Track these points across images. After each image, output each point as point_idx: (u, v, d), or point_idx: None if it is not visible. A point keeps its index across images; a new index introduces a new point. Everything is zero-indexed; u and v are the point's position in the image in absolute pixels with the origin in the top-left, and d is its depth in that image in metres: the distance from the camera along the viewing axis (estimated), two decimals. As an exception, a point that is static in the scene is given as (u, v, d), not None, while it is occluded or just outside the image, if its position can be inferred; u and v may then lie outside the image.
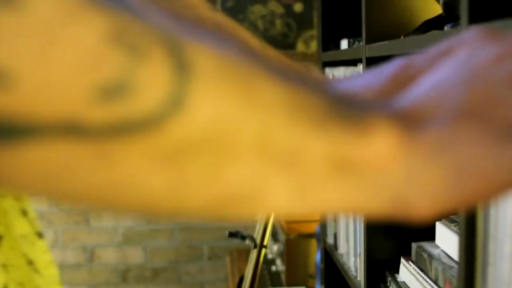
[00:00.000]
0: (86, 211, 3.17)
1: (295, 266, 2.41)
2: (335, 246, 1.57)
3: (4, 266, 0.55)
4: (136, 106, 0.23)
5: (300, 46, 3.24)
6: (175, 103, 0.23)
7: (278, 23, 3.25)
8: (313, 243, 2.36)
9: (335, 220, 1.56)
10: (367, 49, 1.13)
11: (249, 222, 2.50)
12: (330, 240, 1.63)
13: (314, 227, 2.27)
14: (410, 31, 1.04)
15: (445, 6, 0.95)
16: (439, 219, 0.99)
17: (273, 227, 2.59)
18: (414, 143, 0.28)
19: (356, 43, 1.40)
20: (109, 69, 0.22)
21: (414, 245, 1.07)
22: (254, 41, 0.57)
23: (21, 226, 0.56)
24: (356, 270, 1.33)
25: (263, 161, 0.26)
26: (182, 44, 0.24)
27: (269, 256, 2.66)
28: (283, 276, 2.44)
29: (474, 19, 0.68)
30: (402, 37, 1.02)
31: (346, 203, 0.28)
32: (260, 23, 3.23)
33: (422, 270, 1.01)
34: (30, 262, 0.57)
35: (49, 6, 0.21)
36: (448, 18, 0.94)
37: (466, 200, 0.29)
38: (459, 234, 0.71)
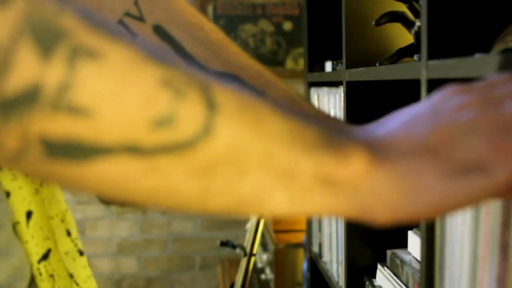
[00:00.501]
0: (81, 223, 3.26)
1: (284, 274, 2.49)
2: (320, 254, 1.66)
3: (52, 276, 0.65)
4: (179, 133, 0.33)
5: (289, 64, 3.34)
6: (206, 131, 0.34)
7: (268, 41, 3.35)
8: (301, 252, 2.43)
9: (320, 230, 1.65)
10: (347, 74, 1.24)
11: (239, 233, 2.59)
12: (315, 249, 1.73)
13: (302, 237, 2.37)
14: (385, 58, 1.14)
15: (416, 36, 1.06)
16: (411, 229, 1.09)
17: (263, 237, 2.68)
18: (381, 168, 0.38)
19: (339, 65, 1.49)
20: (161, 106, 0.33)
21: (389, 252, 1.17)
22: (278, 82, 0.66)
23: (65, 244, 0.66)
24: (338, 276, 1.42)
25: (267, 176, 0.36)
26: (211, 87, 0.35)
27: (259, 265, 2.74)
28: (272, 285, 2.52)
29: (432, 54, 0.78)
30: (377, 64, 1.13)
31: (327, 208, 0.38)
32: (251, 41, 3.34)
33: (395, 275, 1.11)
34: (71, 275, 0.66)
35: (121, 59, 0.32)
36: (418, 47, 1.05)
37: (414, 216, 0.38)
38: (420, 240, 0.82)
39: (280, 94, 0.69)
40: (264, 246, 2.73)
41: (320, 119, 0.44)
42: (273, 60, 3.32)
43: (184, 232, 3.56)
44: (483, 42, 0.77)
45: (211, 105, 0.34)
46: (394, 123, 0.41)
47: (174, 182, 0.35)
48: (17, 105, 0.31)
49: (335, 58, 1.58)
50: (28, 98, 0.31)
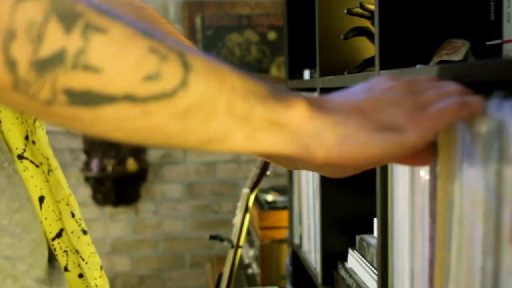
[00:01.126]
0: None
1: (269, 269, 2.61)
2: (300, 245, 1.80)
3: (66, 252, 0.77)
4: (163, 85, 0.47)
5: (274, 71, 3.47)
6: (183, 84, 0.47)
7: (254, 50, 3.47)
8: (285, 247, 2.56)
9: (300, 223, 1.80)
10: (320, 81, 1.39)
11: (226, 231, 2.71)
12: (296, 241, 1.86)
13: (285, 234, 2.50)
14: (352, 68, 1.30)
15: (378, 49, 1.21)
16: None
17: (249, 234, 2.81)
18: (318, 116, 0.51)
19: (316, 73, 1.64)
20: (150, 66, 0.46)
21: (357, 237, 1.32)
22: None
23: (70, 224, 0.77)
24: (315, 263, 1.57)
25: (230, 120, 0.49)
26: (185, 53, 0.48)
27: (246, 260, 2.85)
28: (258, 278, 2.64)
29: (384, 66, 0.94)
30: (346, 73, 1.29)
31: (275, 145, 0.51)
32: (237, 50, 3.45)
33: (363, 256, 1.27)
34: (77, 251, 0.78)
35: (120, 33, 0.46)
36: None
37: (342, 157, 0.51)
38: (377, 225, 0.98)
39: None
40: (250, 242, 2.84)
41: (269, 82, 0.56)
42: (258, 68, 3.45)
43: (174, 232, 3.65)
44: (423, 56, 0.93)
45: (186, 66, 0.48)
46: (335, 94, 0.56)
47: (160, 122, 0.48)
48: (48, 65, 0.44)
49: (312, 67, 1.72)
50: (56, 60, 0.44)
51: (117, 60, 0.45)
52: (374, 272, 1.16)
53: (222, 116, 0.49)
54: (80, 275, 0.79)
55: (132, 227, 3.59)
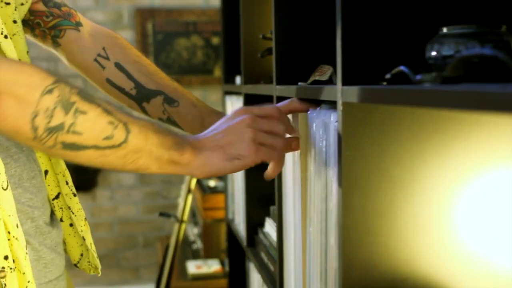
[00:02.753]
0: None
1: (211, 244, 2.93)
2: (233, 220, 2.16)
3: (61, 208, 1.11)
4: (114, 142, 0.86)
5: (217, 72, 3.78)
6: (124, 141, 0.86)
7: (199, 53, 3.78)
8: (224, 226, 2.87)
9: (233, 202, 2.15)
10: (244, 88, 1.75)
11: (175, 210, 2.98)
12: (230, 216, 2.21)
13: (222, 214, 2.83)
14: (266, 78, 1.67)
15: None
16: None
17: (194, 215, 3.13)
18: (197, 155, 0.92)
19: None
20: (108, 132, 0.86)
21: (271, 208, 1.69)
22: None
23: (65, 189, 1.11)
24: (243, 231, 1.89)
25: (150, 159, 0.89)
26: (128, 122, 0.87)
27: (191, 238, 3.17)
28: (202, 253, 2.96)
29: (278, 82, 1.31)
30: (261, 82, 1.66)
31: (175, 172, 0.91)
32: (184, 53, 3.76)
33: (274, 222, 1.64)
34: (69, 207, 1.13)
35: (93, 113, 0.86)
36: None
37: (210, 175, 0.93)
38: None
39: (187, 101, 1.22)
40: (195, 222, 3.16)
41: (174, 131, 0.97)
42: (203, 69, 3.76)
43: (128, 216, 3.88)
44: (305, 75, 1.28)
45: (127, 130, 0.86)
46: (209, 130, 0.96)
47: (111, 160, 0.86)
48: (54, 130, 0.82)
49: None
50: (59, 128, 0.82)
51: (90, 128, 0.84)
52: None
53: (145, 157, 0.89)
54: (71, 225, 1.13)
55: (89, 211, 3.77)
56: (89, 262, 1.16)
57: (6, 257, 0.89)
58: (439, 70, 0.72)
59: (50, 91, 0.82)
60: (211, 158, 0.92)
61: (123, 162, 0.88)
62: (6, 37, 0.94)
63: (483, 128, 0.88)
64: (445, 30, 0.74)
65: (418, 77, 0.70)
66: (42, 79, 0.82)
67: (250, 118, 0.95)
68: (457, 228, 0.89)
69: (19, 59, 0.96)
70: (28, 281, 0.91)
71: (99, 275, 1.17)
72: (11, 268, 0.90)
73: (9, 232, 0.89)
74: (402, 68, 0.74)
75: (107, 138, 0.85)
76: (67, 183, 1.11)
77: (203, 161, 0.92)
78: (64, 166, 1.11)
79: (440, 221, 0.89)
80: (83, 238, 1.13)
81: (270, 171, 1.00)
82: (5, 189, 0.88)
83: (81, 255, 1.16)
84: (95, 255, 1.15)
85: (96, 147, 0.85)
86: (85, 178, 3.67)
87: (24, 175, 0.99)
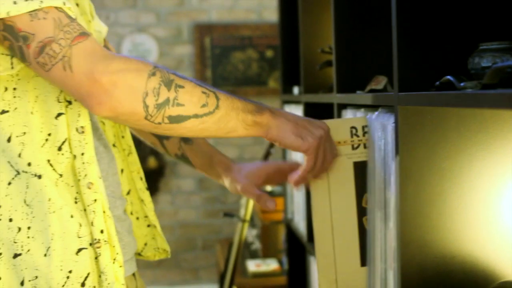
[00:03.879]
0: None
1: (268, 244, 3.09)
2: (292, 219, 2.32)
3: (132, 203, 1.26)
4: (209, 108, 1.03)
5: (271, 83, 3.95)
6: (217, 107, 1.03)
7: (254, 65, 3.96)
8: (281, 227, 3.04)
9: (292, 203, 2.31)
10: (304, 97, 1.91)
11: (231, 209, 3.07)
12: (289, 215, 2.36)
13: (281, 216, 2.97)
14: (324, 89, 1.84)
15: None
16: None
17: (252, 218, 3.29)
18: (275, 119, 1.08)
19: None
20: (203, 100, 1.02)
21: None
22: None
23: (139, 184, 1.27)
24: (303, 229, 2.04)
25: (237, 122, 1.05)
26: (216, 92, 1.04)
27: (249, 239, 3.32)
28: (260, 253, 3.12)
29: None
30: (320, 92, 1.83)
31: (256, 132, 1.08)
32: (240, 66, 3.94)
33: None
34: (142, 200, 1.27)
35: (189, 86, 1.03)
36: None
37: (277, 138, 1.08)
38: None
39: (199, 141, 1.37)
40: (252, 225, 3.31)
41: (252, 100, 1.12)
42: (258, 81, 3.94)
43: (188, 220, 4.02)
44: (363, 84, 1.44)
45: (217, 98, 1.02)
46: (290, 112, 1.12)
47: (209, 125, 1.02)
48: (162, 106, 0.98)
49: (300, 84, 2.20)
50: (165, 103, 0.98)
51: (189, 99, 1.00)
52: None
53: (234, 120, 1.04)
54: (137, 218, 1.28)
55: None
56: (156, 248, 1.30)
57: (102, 231, 1.04)
58: (479, 79, 0.89)
59: (153, 74, 0.97)
60: (284, 125, 1.08)
61: (217, 127, 1.03)
62: None
63: (519, 127, 1.03)
64: (484, 45, 0.90)
65: (462, 84, 0.87)
66: (145, 65, 0.98)
67: (326, 130, 1.13)
68: (499, 213, 1.05)
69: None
70: (117, 253, 1.07)
71: (169, 256, 1.32)
72: (105, 241, 1.04)
73: (104, 212, 1.05)
74: (448, 77, 0.91)
75: (203, 106, 1.01)
76: (141, 179, 1.29)
77: (278, 124, 1.08)
78: (139, 165, 1.28)
79: (484, 207, 1.05)
80: (154, 226, 1.29)
81: (299, 179, 1.16)
82: (100, 178, 1.06)
83: (145, 244, 1.31)
84: (165, 239, 1.30)
85: (196, 116, 1.01)
86: (148, 184, 3.83)
87: (109, 171, 1.16)
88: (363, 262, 1.22)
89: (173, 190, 4.02)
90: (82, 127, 1.04)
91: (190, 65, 4.02)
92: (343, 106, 1.44)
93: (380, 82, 1.35)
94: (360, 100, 1.30)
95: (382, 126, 1.13)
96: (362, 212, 1.21)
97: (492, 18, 1.04)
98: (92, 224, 1.03)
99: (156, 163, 3.83)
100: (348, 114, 1.38)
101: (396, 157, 1.04)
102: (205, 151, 1.37)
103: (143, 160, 3.87)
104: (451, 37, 1.04)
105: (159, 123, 1.00)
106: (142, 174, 1.29)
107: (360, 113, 1.30)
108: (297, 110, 2.08)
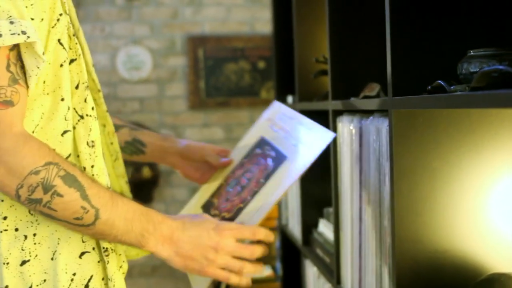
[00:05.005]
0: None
1: None
2: (287, 224, 2.35)
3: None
4: (84, 223, 1.02)
5: (263, 94, 4.01)
6: (93, 224, 1.01)
7: (247, 76, 4.01)
8: (275, 234, 3.04)
9: (286, 208, 2.34)
10: (298, 105, 1.97)
11: None
12: (284, 221, 2.38)
13: (275, 223, 3.01)
14: (319, 96, 1.90)
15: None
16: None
17: None
18: (160, 251, 1.10)
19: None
20: (84, 219, 1.02)
21: (325, 210, 1.88)
22: None
23: (125, 188, 1.33)
24: (298, 233, 2.05)
25: (116, 241, 1.06)
26: (101, 209, 1.02)
27: None
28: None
29: (334, 97, 1.54)
30: (315, 100, 1.89)
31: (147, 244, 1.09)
32: (233, 77, 3.99)
33: (328, 221, 1.84)
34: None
35: (70, 197, 1.00)
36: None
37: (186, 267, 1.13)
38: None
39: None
40: None
41: (150, 217, 1.10)
42: (250, 91, 3.99)
43: None
44: (357, 91, 1.50)
45: (96, 217, 0.99)
46: (184, 234, 1.11)
47: (82, 232, 1.03)
48: (35, 203, 0.97)
49: (294, 93, 2.19)
50: (38, 201, 0.96)
51: (63, 208, 0.98)
52: (333, 228, 1.73)
53: (111, 239, 1.06)
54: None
55: None
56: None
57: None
58: (467, 83, 0.96)
59: (37, 172, 0.96)
60: (172, 260, 1.13)
61: (92, 236, 1.05)
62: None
63: (507, 129, 1.10)
64: (472, 52, 0.97)
65: (452, 87, 0.94)
66: (34, 160, 0.96)
67: (221, 241, 1.13)
68: (488, 211, 1.11)
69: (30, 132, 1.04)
70: (123, 261, 1.13)
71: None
72: (112, 250, 1.09)
73: None
74: (439, 81, 0.98)
75: (77, 218, 1.00)
76: (126, 183, 1.34)
77: (164, 257, 1.12)
78: (124, 169, 1.32)
79: (474, 204, 1.11)
80: None
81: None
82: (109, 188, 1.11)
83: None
84: None
85: (67, 222, 1.01)
86: (141, 193, 3.87)
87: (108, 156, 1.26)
88: None
89: (167, 200, 4.07)
90: (92, 141, 1.08)
91: (183, 76, 4.08)
92: (338, 113, 1.50)
93: (373, 89, 1.40)
94: (356, 106, 1.36)
95: (377, 129, 1.19)
96: None
97: (479, 27, 1.11)
98: None
99: (150, 173, 3.87)
100: (344, 120, 1.44)
101: (390, 158, 1.10)
102: (155, 133, 1.45)
103: (138, 170, 4.01)
104: (441, 45, 1.11)
105: (32, 209, 1.02)
106: (126, 178, 1.34)
107: (355, 119, 1.36)
108: (292, 118, 2.10)
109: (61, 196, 0.97)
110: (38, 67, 0.98)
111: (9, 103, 0.96)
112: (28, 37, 0.94)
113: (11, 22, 0.94)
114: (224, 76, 4.01)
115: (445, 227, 1.11)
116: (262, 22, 4.03)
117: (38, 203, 0.98)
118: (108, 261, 1.08)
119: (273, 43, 2.44)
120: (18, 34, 0.93)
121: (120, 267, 1.11)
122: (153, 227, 1.09)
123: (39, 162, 0.96)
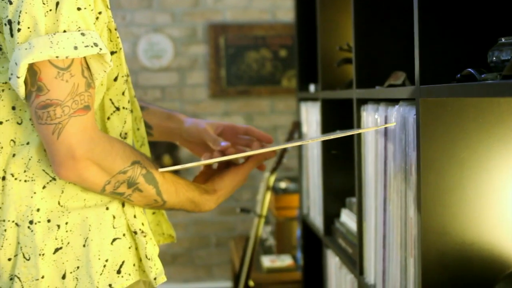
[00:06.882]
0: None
1: (283, 241, 3.13)
2: (308, 213, 2.35)
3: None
4: (157, 205, 1.16)
5: (285, 83, 4.00)
6: (163, 205, 1.15)
7: (268, 65, 4.01)
8: (295, 224, 3.09)
9: (308, 198, 2.35)
10: (321, 94, 1.95)
11: (245, 206, 3.12)
12: (305, 211, 2.39)
13: (295, 213, 3.03)
14: (342, 85, 1.88)
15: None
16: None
17: (267, 214, 3.34)
18: (216, 199, 1.23)
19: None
20: (156, 204, 1.16)
21: (347, 200, 1.88)
22: None
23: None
24: (319, 223, 2.07)
25: (183, 204, 1.20)
26: (168, 202, 1.16)
27: (264, 236, 3.38)
28: (274, 249, 3.17)
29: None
30: (338, 89, 1.87)
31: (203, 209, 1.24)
32: (254, 65, 3.99)
33: (351, 211, 1.83)
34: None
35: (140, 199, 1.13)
36: (360, 79, 1.79)
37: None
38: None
39: (153, 107, 1.48)
40: (267, 221, 3.36)
41: (202, 186, 1.26)
42: (271, 80, 3.99)
43: (202, 217, 4.08)
44: (382, 80, 1.48)
45: (163, 201, 1.14)
46: (221, 183, 1.27)
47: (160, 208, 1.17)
48: (117, 195, 1.07)
49: (316, 82, 2.21)
50: (120, 194, 1.07)
51: (140, 200, 1.10)
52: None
53: (179, 208, 1.20)
54: None
55: (166, 213, 3.95)
56: (161, 234, 1.36)
57: (143, 224, 1.13)
58: (498, 71, 0.93)
59: (125, 172, 1.06)
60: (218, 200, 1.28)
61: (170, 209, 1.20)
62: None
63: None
64: (503, 39, 0.95)
65: (483, 76, 0.92)
66: (123, 161, 1.06)
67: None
68: (515, 202, 1.10)
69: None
70: (154, 244, 1.14)
71: (175, 241, 1.39)
72: (144, 232, 1.13)
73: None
74: (469, 70, 0.96)
75: (147, 205, 1.13)
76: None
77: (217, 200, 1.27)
78: (150, 155, 1.31)
79: (502, 196, 1.09)
80: (162, 214, 1.35)
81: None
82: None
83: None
84: (170, 224, 1.38)
85: (145, 205, 1.14)
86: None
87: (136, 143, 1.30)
88: None
89: (187, 188, 4.03)
90: (126, 133, 1.14)
91: (204, 65, 4.08)
92: (363, 102, 1.48)
93: (399, 77, 1.39)
94: (381, 94, 1.34)
95: (403, 118, 1.17)
96: None
97: (510, 13, 1.08)
98: (134, 216, 1.12)
99: (171, 160, 3.88)
100: (368, 108, 1.42)
101: (417, 147, 1.08)
102: (161, 111, 1.47)
103: (158, 158, 4.01)
104: (471, 31, 1.08)
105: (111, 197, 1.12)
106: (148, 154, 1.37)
107: (380, 107, 1.34)
108: (314, 107, 2.12)
109: (140, 191, 1.09)
110: (105, 71, 1.03)
111: (87, 108, 1.01)
112: (101, 49, 0.99)
113: (83, 34, 0.98)
114: (245, 65, 4.01)
115: (473, 219, 1.09)
116: (284, 10, 4.02)
117: (120, 195, 1.08)
118: (146, 241, 1.11)
119: (295, 31, 2.43)
120: (92, 46, 0.98)
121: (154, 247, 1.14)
122: (201, 191, 1.25)
123: (126, 163, 1.06)
